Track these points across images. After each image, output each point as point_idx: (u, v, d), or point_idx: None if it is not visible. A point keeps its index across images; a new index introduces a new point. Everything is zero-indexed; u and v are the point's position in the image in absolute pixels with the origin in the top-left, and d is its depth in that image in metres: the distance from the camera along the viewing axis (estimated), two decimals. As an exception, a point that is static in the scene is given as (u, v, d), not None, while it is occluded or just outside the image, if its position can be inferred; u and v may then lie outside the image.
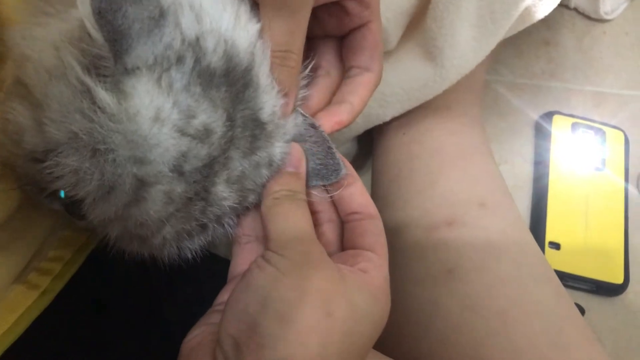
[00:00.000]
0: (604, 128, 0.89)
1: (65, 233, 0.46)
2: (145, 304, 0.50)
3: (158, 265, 0.38)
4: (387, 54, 0.69)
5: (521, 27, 0.70)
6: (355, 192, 0.41)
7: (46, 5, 0.35)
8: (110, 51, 0.31)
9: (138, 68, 0.32)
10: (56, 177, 0.33)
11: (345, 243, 0.42)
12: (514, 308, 0.52)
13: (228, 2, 0.37)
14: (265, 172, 0.39)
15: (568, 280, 0.77)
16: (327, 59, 0.45)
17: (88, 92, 0.31)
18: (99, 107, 0.31)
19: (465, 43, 0.64)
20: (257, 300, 0.32)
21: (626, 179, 0.86)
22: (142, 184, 0.33)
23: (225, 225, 0.39)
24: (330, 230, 0.42)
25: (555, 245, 0.80)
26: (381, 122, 0.70)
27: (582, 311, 0.74)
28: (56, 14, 0.34)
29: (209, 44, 0.35)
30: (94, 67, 0.31)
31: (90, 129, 0.31)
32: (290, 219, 0.37)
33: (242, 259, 0.41)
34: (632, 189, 0.87)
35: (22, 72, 0.33)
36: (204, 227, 0.38)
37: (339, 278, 0.34)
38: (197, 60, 0.34)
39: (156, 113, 0.32)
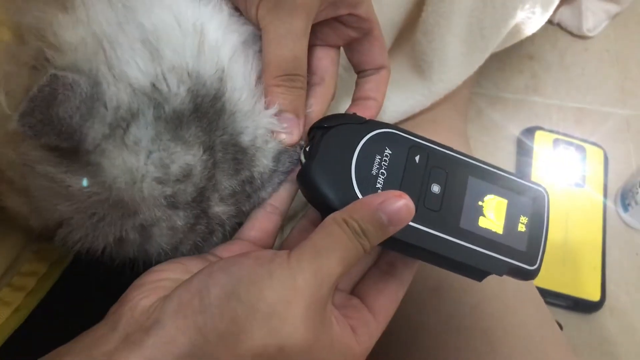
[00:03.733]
0: (585, 145, 0.90)
1: (40, 246, 0.44)
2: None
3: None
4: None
5: (509, 44, 0.71)
6: None
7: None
8: (64, 154, 0.31)
9: (98, 145, 0.31)
10: (73, 242, 0.34)
11: None
12: (498, 329, 0.51)
13: (190, 25, 0.35)
14: (256, 183, 0.38)
15: (547, 296, 0.78)
16: (322, 65, 0.44)
17: (60, 180, 0.31)
18: (77, 189, 0.31)
19: (454, 58, 0.64)
20: (229, 289, 0.29)
21: (605, 196, 0.87)
22: (143, 228, 0.34)
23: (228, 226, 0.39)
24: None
25: (535, 261, 0.80)
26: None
27: (560, 328, 0.75)
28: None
29: (171, 84, 0.33)
30: (59, 157, 0.31)
31: (77, 207, 0.32)
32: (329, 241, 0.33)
33: (259, 224, 0.39)
34: (610, 206, 0.88)
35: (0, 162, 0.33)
36: (211, 232, 0.38)
37: (323, 329, 0.31)
38: (158, 108, 0.32)
39: (132, 175, 0.32)
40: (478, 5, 0.61)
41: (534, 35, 0.72)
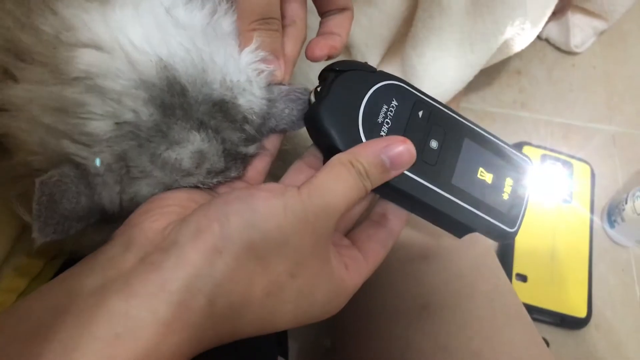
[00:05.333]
0: (572, 161, 0.90)
1: (20, 261, 0.43)
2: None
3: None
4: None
5: (498, 59, 0.71)
6: None
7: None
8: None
9: (119, 194, 0.34)
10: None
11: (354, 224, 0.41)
12: (487, 349, 0.51)
13: (108, 44, 0.34)
14: (255, 121, 0.38)
15: (534, 313, 0.77)
16: (291, 8, 0.44)
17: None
18: None
19: (444, 73, 0.63)
20: (248, 219, 0.31)
21: (592, 212, 0.87)
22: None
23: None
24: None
25: (522, 278, 0.80)
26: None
27: (546, 344, 0.74)
28: None
29: (133, 109, 0.33)
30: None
31: None
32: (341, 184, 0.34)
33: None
34: (597, 222, 0.88)
35: None
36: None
37: (326, 260, 0.34)
38: (136, 135, 0.33)
39: (165, 186, 0.35)
40: (468, 21, 0.61)
41: (522, 50, 0.72)
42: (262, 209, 0.31)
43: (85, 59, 0.32)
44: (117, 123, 0.32)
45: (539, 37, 1.02)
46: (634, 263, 0.86)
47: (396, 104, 0.38)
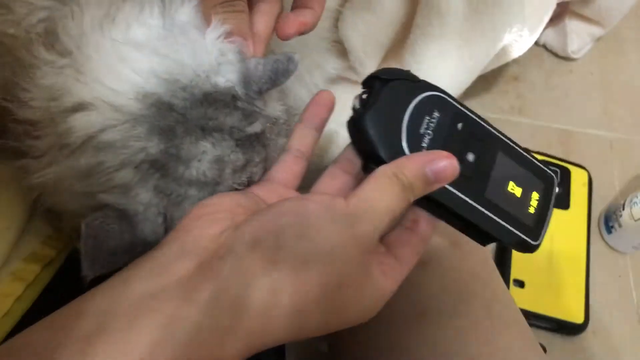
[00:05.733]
0: (569, 167, 0.90)
1: (17, 266, 0.43)
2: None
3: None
4: (363, 85, 0.68)
5: (496, 65, 0.71)
6: None
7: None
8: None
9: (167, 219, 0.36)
10: None
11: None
12: (485, 355, 0.51)
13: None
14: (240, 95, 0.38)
15: (531, 318, 0.77)
16: None
17: None
18: None
19: (442, 79, 0.64)
20: (301, 231, 0.32)
21: (589, 218, 0.87)
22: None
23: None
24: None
25: (520, 283, 0.80)
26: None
27: (543, 350, 0.74)
28: None
29: (132, 146, 0.34)
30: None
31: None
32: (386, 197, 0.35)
33: (288, 167, 0.41)
34: (594, 228, 0.88)
35: None
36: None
37: (369, 271, 0.34)
38: (150, 165, 0.34)
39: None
40: (467, 28, 0.61)
41: (519, 56, 0.72)
42: (314, 221, 0.32)
43: (79, 124, 0.34)
44: (135, 167, 0.34)
45: (536, 43, 1.02)
46: (630, 269, 0.86)
47: (437, 115, 0.38)
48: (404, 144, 0.37)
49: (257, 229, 0.32)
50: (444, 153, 0.35)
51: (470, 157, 0.39)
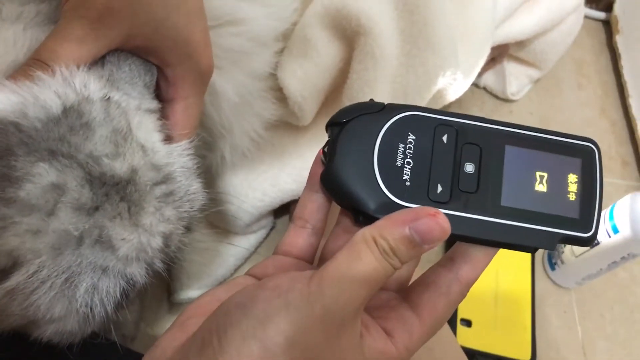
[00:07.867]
0: (512, 204, 0.92)
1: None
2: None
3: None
4: (304, 129, 0.69)
5: (436, 107, 0.72)
6: None
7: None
8: None
9: None
10: None
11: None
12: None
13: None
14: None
15: (479, 357, 0.77)
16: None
17: None
18: None
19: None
20: (248, 333, 0.29)
21: (533, 256, 0.89)
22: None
23: None
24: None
25: (467, 322, 0.80)
26: (296, 198, 0.69)
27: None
28: None
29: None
30: None
31: None
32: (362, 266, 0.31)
33: (289, 239, 0.38)
34: (538, 264, 0.90)
35: None
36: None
37: (350, 345, 0.30)
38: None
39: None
40: (401, 72, 0.62)
41: (461, 97, 0.74)
42: (262, 313, 0.29)
43: None
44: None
45: (477, 86, 1.05)
46: (575, 304, 0.88)
47: (414, 137, 0.34)
48: (382, 186, 0.33)
49: (205, 332, 0.30)
50: (428, 210, 0.30)
51: (469, 167, 0.34)
